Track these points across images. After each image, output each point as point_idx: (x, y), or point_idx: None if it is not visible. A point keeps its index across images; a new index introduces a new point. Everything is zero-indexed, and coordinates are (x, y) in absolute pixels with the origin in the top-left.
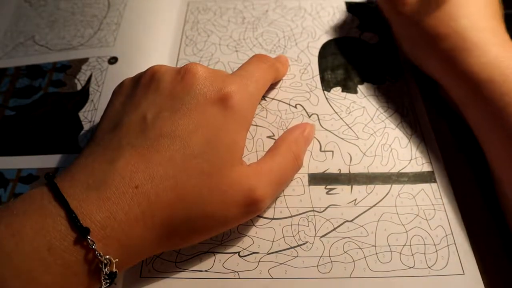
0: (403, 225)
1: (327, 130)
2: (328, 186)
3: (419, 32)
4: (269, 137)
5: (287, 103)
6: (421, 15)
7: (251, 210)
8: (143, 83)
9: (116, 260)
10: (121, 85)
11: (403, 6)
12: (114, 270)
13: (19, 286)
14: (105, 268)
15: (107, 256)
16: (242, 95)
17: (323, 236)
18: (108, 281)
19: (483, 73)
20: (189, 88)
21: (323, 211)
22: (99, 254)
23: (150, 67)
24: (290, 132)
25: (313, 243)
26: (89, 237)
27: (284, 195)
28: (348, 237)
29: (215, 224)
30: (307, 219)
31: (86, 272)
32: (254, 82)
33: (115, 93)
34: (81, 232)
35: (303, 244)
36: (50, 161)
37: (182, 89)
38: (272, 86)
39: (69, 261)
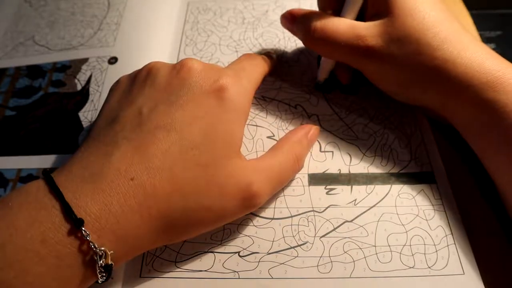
0: (403, 225)
1: (327, 130)
2: (328, 186)
3: (405, 73)
4: (269, 137)
5: (287, 104)
6: (399, 56)
7: (247, 205)
8: (139, 79)
9: (112, 252)
10: (117, 82)
11: (373, 51)
12: (109, 262)
13: (12, 277)
14: (100, 260)
15: (102, 248)
16: (237, 87)
17: (323, 236)
18: (104, 274)
19: (487, 94)
20: (184, 81)
21: (323, 211)
22: (94, 245)
23: (147, 64)
24: (294, 132)
25: (313, 243)
26: (83, 228)
27: (284, 195)
28: (348, 237)
29: (212, 217)
30: (307, 219)
31: (80, 264)
32: (246, 76)
33: (112, 90)
34: (75, 223)
35: (303, 244)
36: (50, 161)
37: (178, 82)
38: (272, 87)
39: (63, 253)
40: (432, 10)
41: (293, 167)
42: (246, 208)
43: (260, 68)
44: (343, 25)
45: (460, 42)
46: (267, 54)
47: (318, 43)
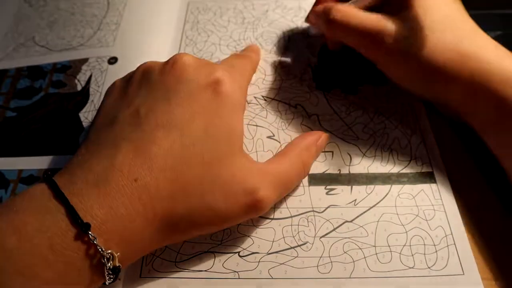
0: (403, 225)
1: (327, 130)
2: (328, 187)
3: (428, 65)
4: (269, 137)
5: (287, 103)
6: (423, 47)
7: (252, 210)
8: (135, 80)
9: (118, 254)
10: (113, 85)
11: (393, 41)
12: (117, 264)
13: (20, 282)
14: (108, 263)
15: (109, 251)
16: (232, 80)
17: (323, 236)
18: (112, 276)
19: (506, 91)
20: (179, 76)
21: (323, 211)
22: (101, 249)
23: (141, 65)
24: (302, 138)
25: (313, 243)
26: (90, 232)
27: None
28: (348, 238)
29: (216, 218)
30: (307, 219)
31: (88, 267)
32: (238, 70)
33: (108, 93)
34: (81, 228)
35: (303, 244)
36: (51, 162)
37: (173, 78)
38: (272, 87)
39: (71, 257)
40: (451, 9)
41: (300, 174)
42: (251, 213)
43: (249, 65)
44: (367, 12)
45: (480, 40)
46: (252, 47)
47: (342, 27)
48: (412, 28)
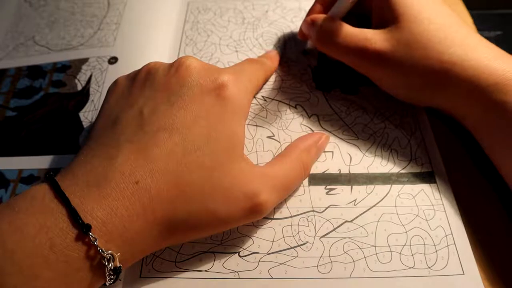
0: (403, 225)
1: (327, 130)
2: (328, 187)
3: (413, 77)
4: (269, 137)
5: (287, 104)
6: (407, 61)
7: (253, 214)
8: (139, 80)
9: (119, 254)
10: (115, 83)
11: (380, 56)
12: (118, 265)
13: (21, 282)
14: (109, 264)
15: (110, 252)
16: (237, 85)
17: (323, 236)
18: (112, 276)
19: (495, 96)
20: (184, 80)
21: (323, 211)
22: (101, 250)
23: (145, 65)
24: (303, 139)
25: (313, 243)
26: (90, 233)
27: None
28: (348, 237)
29: (216, 222)
30: (307, 219)
31: (88, 268)
32: (245, 76)
33: (110, 91)
34: (82, 229)
35: (303, 244)
36: (51, 161)
37: (177, 81)
38: (272, 87)
39: (72, 257)
40: (437, 17)
41: (300, 176)
42: (251, 217)
43: (260, 71)
44: (352, 29)
45: (468, 45)
46: (269, 54)
47: (328, 44)
48: (398, 42)
